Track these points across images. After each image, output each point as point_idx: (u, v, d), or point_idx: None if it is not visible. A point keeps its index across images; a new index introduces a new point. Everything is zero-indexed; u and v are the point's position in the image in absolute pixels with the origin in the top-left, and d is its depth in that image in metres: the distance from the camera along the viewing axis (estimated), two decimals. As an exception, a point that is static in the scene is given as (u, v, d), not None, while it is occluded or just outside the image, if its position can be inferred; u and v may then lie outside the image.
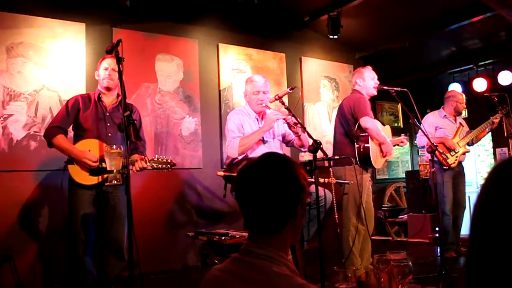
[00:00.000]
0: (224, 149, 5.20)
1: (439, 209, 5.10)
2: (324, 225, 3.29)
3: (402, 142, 4.48)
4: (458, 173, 5.17)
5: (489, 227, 0.71)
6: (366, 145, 4.03)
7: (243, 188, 1.39)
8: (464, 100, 5.37)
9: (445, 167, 5.02)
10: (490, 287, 0.69)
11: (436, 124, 5.21)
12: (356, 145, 4.07)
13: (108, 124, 3.49)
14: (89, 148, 3.36)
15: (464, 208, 5.22)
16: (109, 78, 3.53)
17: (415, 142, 5.16)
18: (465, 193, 5.29)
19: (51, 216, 4.36)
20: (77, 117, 3.47)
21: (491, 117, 5.14)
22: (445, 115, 5.31)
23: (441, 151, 4.93)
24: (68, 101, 3.56)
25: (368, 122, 4.03)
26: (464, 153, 5.17)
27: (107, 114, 3.52)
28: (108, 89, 3.57)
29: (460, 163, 5.17)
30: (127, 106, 2.69)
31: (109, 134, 3.47)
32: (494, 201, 0.72)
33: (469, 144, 5.35)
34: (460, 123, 5.33)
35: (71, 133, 3.59)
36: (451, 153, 5.05)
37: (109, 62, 3.54)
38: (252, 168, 1.40)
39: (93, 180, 3.34)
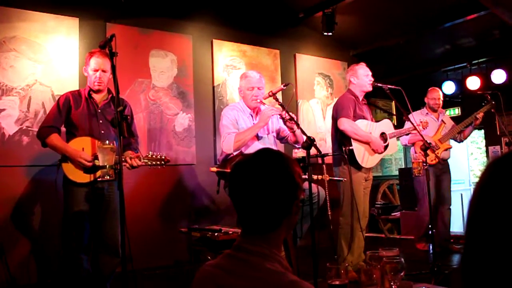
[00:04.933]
0: (218, 145, 5.20)
1: (419, 205, 5.36)
2: (317, 222, 3.29)
3: (414, 129, 4.37)
4: (440, 170, 5.21)
5: (485, 224, 0.71)
6: (350, 147, 4.07)
7: (237, 185, 1.37)
8: (438, 97, 5.46)
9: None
10: (486, 283, 0.69)
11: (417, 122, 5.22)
12: (343, 147, 4.10)
13: (101, 121, 3.47)
14: (83, 146, 3.34)
15: (449, 204, 5.28)
16: (99, 81, 3.47)
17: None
18: (450, 190, 5.34)
19: (43, 212, 4.35)
20: (68, 115, 3.44)
21: (474, 113, 5.19)
22: (427, 113, 5.39)
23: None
24: (58, 99, 3.51)
25: (343, 123, 4.07)
26: (446, 149, 5.22)
27: (99, 110, 3.49)
28: (99, 90, 3.55)
29: (444, 160, 5.20)
30: (119, 101, 2.68)
31: (102, 132, 3.44)
32: (489, 198, 0.72)
33: (457, 141, 5.41)
34: (443, 120, 5.37)
35: (63, 129, 3.56)
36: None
37: (98, 63, 3.46)
38: (246, 164, 1.38)
39: (87, 178, 3.33)
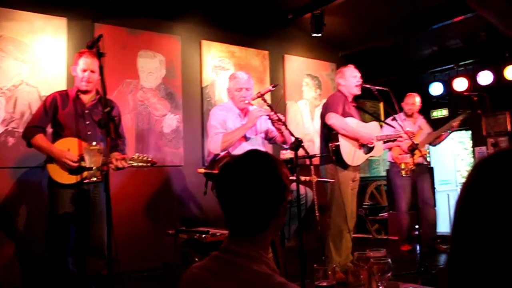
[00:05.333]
0: (206, 146, 5.18)
1: (396, 209, 5.47)
2: (305, 223, 3.30)
3: (400, 137, 4.37)
4: (418, 173, 5.18)
5: (471, 225, 0.71)
6: (336, 143, 4.06)
7: (225, 187, 1.36)
8: (413, 102, 5.50)
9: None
10: (472, 283, 0.69)
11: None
12: (329, 144, 4.09)
13: (88, 122, 3.43)
14: (69, 147, 3.30)
15: (432, 205, 5.32)
16: (87, 81, 3.44)
17: None
18: (432, 190, 5.41)
19: (29, 214, 4.30)
20: (55, 115, 3.40)
21: (450, 121, 5.26)
22: (404, 119, 5.37)
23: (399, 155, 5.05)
24: (45, 99, 3.48)
25: (331, 118, 4.06)
26: (422, 156, 5.22)
27: (86, 111, 3.46)
28: (86, 91, 3.51)
29: (419, 164, 5.14)
30: (107, 102, 2.65)
31: (89, 133, 3.40)
32: (475, 198, 0.72)
33: (431, 144, 5.47)
34: (419, 126, 5.40)
35: (49, 129, 3.52)
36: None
37: (87, 63, 3.42)
38: (234, 166, 1.37)
39: (73, 179, 3.29)
